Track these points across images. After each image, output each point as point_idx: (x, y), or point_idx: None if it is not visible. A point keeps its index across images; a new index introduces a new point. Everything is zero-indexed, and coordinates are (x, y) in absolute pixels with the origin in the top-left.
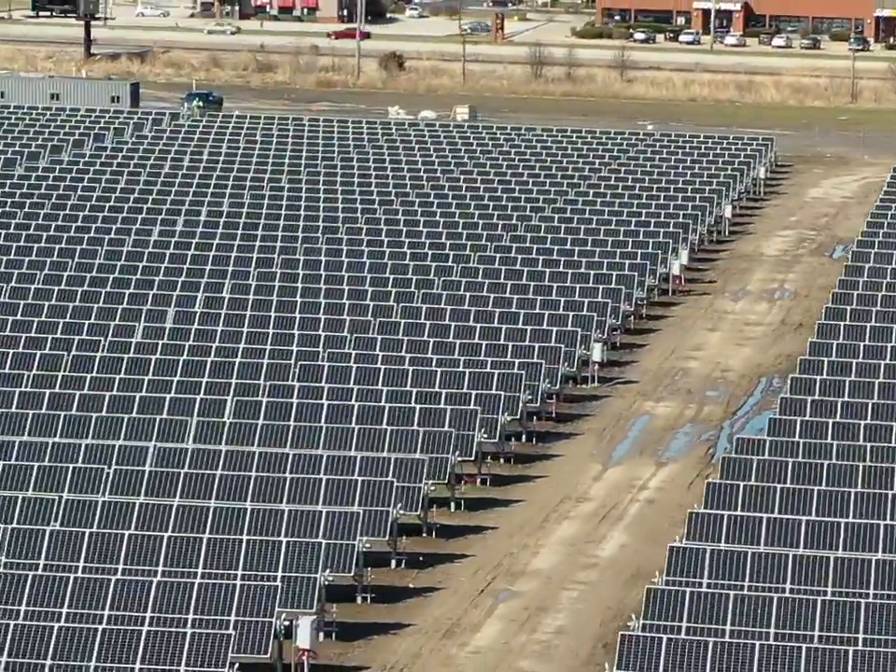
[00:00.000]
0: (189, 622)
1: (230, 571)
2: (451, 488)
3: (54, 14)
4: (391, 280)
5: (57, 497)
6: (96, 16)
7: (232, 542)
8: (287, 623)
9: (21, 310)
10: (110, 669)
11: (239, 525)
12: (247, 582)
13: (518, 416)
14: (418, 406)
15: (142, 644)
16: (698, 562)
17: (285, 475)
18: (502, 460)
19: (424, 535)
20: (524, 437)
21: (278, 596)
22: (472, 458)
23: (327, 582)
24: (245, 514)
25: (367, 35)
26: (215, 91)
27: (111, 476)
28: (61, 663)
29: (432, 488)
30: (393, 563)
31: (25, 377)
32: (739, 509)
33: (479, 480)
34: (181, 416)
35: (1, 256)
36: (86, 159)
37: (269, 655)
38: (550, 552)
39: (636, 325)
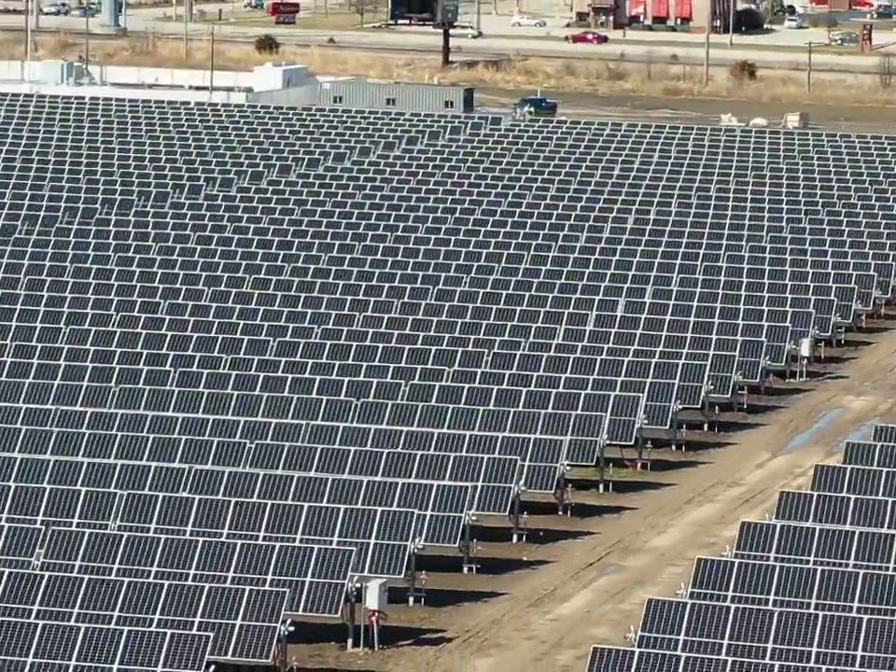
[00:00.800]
0: (268, 581)
1: (325, 537)
2: (600, 470)
3: (412, 22)
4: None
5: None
6: (454, 24)
7: (330, 511)
8: (357, 585)
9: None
10: (212, 625)
11: (353, 495)
12: (324, 546)
13: (700, 406)
14: (582, 392)
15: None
16: (767, 537)
17: (426, 452)
18: (673, 447)
19: (560, 513)
20: (705, 426)
21: (351, 560)
22: (632, 444)
23: (417, 550)
24: (361, 486)
25: (604, 39)
26: (548, 98)
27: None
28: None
29: (568, 468)
30: (514, 537)
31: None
32: (837, 490)
33: (640, 464)
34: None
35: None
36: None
37: (339, 615)
38: (676, 531)
39: (868, 324)
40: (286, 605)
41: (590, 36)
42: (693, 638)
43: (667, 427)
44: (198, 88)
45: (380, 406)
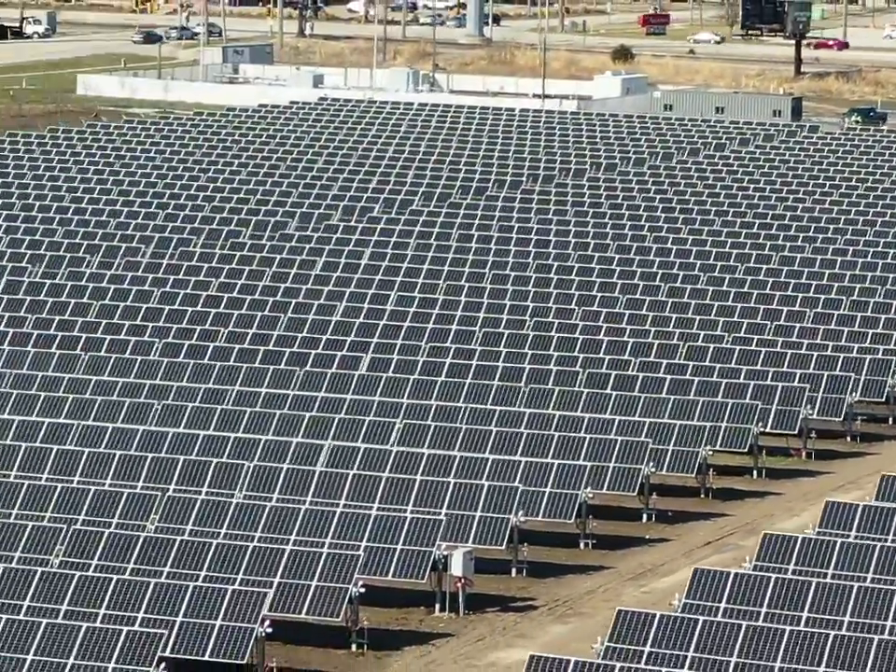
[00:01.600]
0: (362, 548)
1: (434, 509)
2: (754, 458)
3: (763, 34)
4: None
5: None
6: (805, 35)
7: (440, 484)
8: (445, 553)
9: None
10: (291, 585)
11: (477, 470)
12: (416, 516)
13: (884, 399)
14: (751, 382)
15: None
16: (848, 517)
17: (565, 433)
18: (849, 438)
19: (701, 496)
20: (890, 419)
21: (440, 529)
22: (797, 433)
23: (519, 523)
24: (487, 463)
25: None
26: (879, 108)
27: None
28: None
29: (709, 453)
30: (644, 517)
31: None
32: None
33: (804, 453)
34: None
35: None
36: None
37: (426, 581)
38: (808, 515)
39: None
40: (365, 569)
41: None
42: (728, 605)
43: (841, 418)
44: (543, 96)
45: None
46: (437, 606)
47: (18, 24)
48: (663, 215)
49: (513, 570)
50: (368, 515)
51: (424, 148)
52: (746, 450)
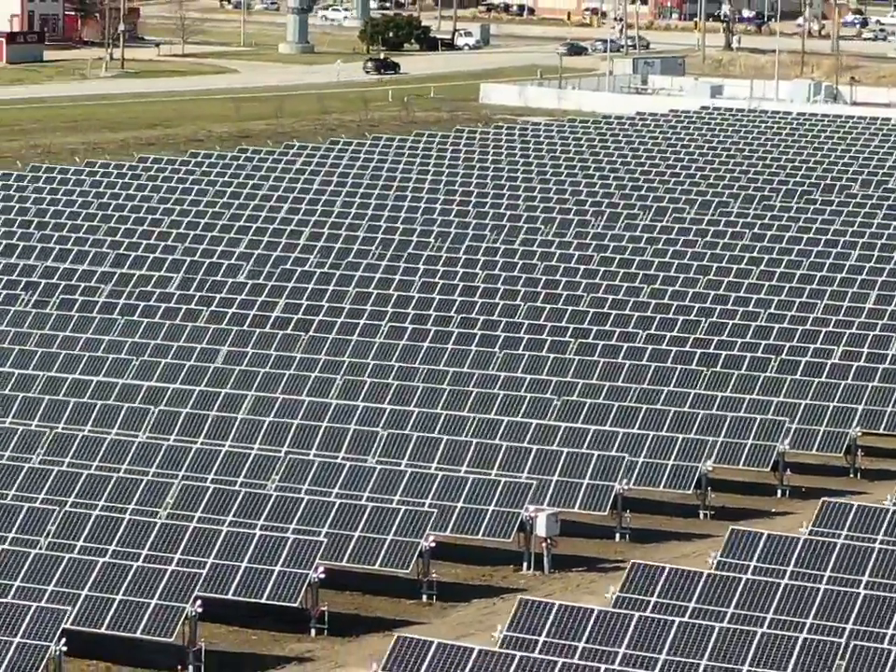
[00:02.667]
0: (458, 507)
1: (548, 476)
2: (850, 460)
3: None
4: None
5: None
6: None
7: (552, 453)
8: (532, 515)
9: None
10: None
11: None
12: (503, 479)
13: None
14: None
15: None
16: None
17: (680, 409)
18: None
19: (850, 476)
20: None
21: (530, 493)
22: None
23: (624, 490)
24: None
25: None
26: None
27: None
28: None
29: (859, 433)
30: (778, 493)
31: None
32: None
33: None
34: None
35: None
36: None
37: (512, 540)
38: None
39: None
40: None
41: None
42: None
43: None
44: None
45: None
46: (524, 564)
47: (450, 37)
48: None
49: (617, 535)
50: (466, 479)
51: (757, 152)
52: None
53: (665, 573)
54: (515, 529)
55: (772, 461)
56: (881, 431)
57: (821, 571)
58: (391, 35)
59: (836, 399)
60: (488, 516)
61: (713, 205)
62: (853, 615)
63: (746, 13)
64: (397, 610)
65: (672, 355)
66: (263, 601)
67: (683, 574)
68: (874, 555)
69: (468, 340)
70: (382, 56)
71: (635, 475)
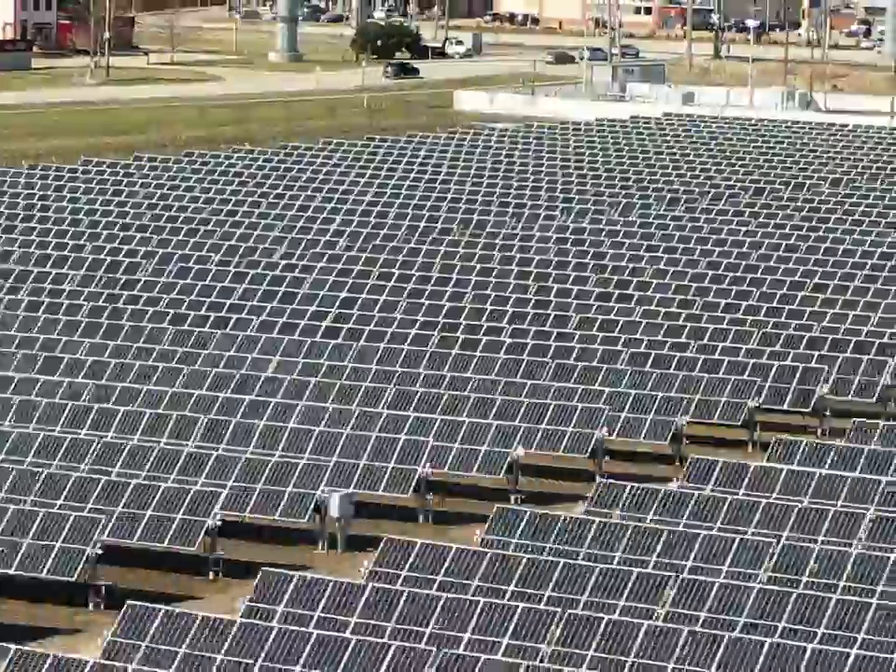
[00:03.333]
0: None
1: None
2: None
3: None
4: None
5: None
6: None
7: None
8: (325, 496)
9: None
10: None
11: None
12: (307, 462)
13: None
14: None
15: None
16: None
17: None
18: None
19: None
20: None
21: (325, 475)
22: None
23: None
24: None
25: None
26: None
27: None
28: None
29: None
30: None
31: None
32: None
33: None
34: None
35: None
36: None
37: (308, 521)
38: None
39: None
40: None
41: None
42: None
43: None
44: None
45: None
46: (319, 544)
47: (441, 45)
48: None
49: (420, 517)
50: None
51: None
52: None
53: (416, 548)
54: (310, 510)
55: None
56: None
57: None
58: (381, 43)
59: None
60: (286, 497)
61: (635, 207)
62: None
63: (751, 23)
64: (185, 586)
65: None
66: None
67: (433, 549)
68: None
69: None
70: (402, 61)
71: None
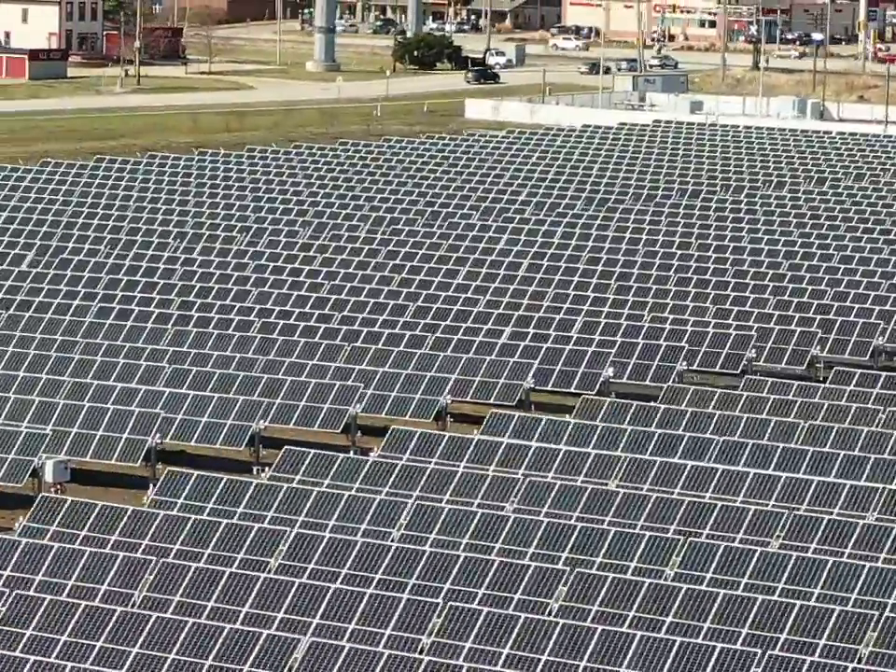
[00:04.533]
0: None
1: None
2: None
3: None
4: None
5: None
6: None
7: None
8: (42, 462)
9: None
10: None
11: None
12: (26, 430)
13: None
14: None
15: None
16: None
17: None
18: None
19: None
20: None
21: (45, 442)
22: None
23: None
24: None
25: None
26: None
27: None
28: None
29: None
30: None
31: None
32: None
33: None
34: None
35: None
36: None
37: (24, 486)
38: None
39: None
40: None
41: None
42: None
43: None
44: None
45: None
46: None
47: (482, 56)
48: None
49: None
50: None
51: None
52: None
53: (67, 505)
54: (28, 475)
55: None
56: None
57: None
58: (421, 53)
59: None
60: (6, 464)
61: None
62: None
63: (817, 36)
64: None
65: None
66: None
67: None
68: None
69: None
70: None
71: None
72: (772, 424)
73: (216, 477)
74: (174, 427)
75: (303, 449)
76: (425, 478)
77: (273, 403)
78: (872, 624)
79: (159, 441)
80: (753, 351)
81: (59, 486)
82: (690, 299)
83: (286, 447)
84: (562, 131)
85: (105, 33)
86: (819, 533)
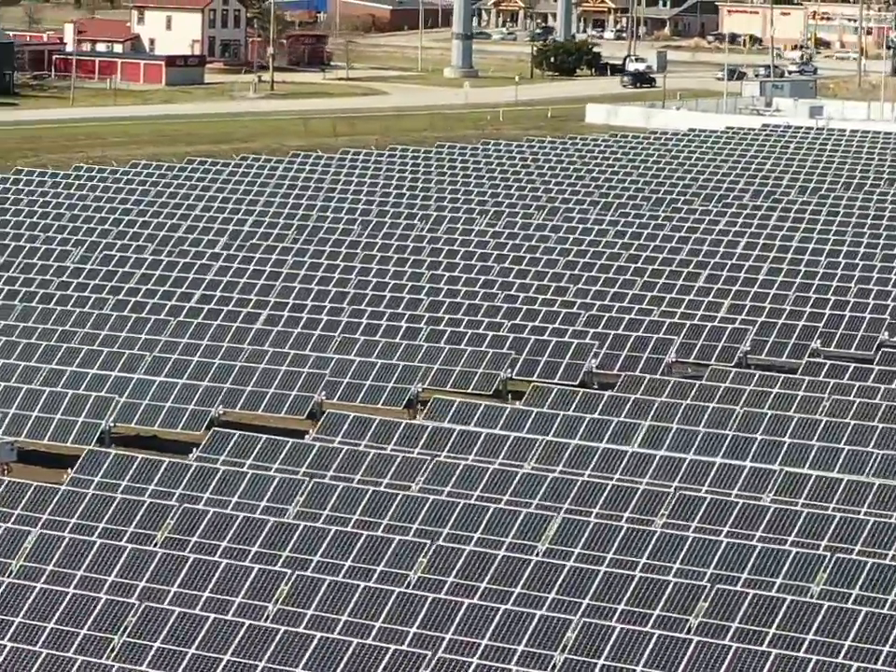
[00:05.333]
0: None
1: None
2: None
3: None
4: None
5: None
6: None
7: None
8: None
9: None
10: None
11: None
12: None
13: None
14: None
15: None
16: None
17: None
18: None
19: None
20: None
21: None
22: None
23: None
24: None
25: None
26: None
27: None
28: None
29: None
30: None
31: None
32: None
33: None
34: None
35: None
36: None
37: None
38: None
39: None
40: None
41: None
42: None
43: None
44: None
45: None
46: None
47: (621, 62)
48: None
49: None
50: None
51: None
52: None
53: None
54: None
55: None
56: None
57: None
58: (560, 59)
59: None
60: None
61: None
62: None
63: None
64: None
65: None
66: None
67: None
68: None
69: None
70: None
71: None
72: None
73: (135, 457)
74: (138, 412)
75: (230, 431)
76: (339, 459)
77: (242, 391)
78: None
79: (112, 425)
80: None
81: (4, 466)
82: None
83: (213, 429)
84: (664, 134)
85: (248, 40)
86: None
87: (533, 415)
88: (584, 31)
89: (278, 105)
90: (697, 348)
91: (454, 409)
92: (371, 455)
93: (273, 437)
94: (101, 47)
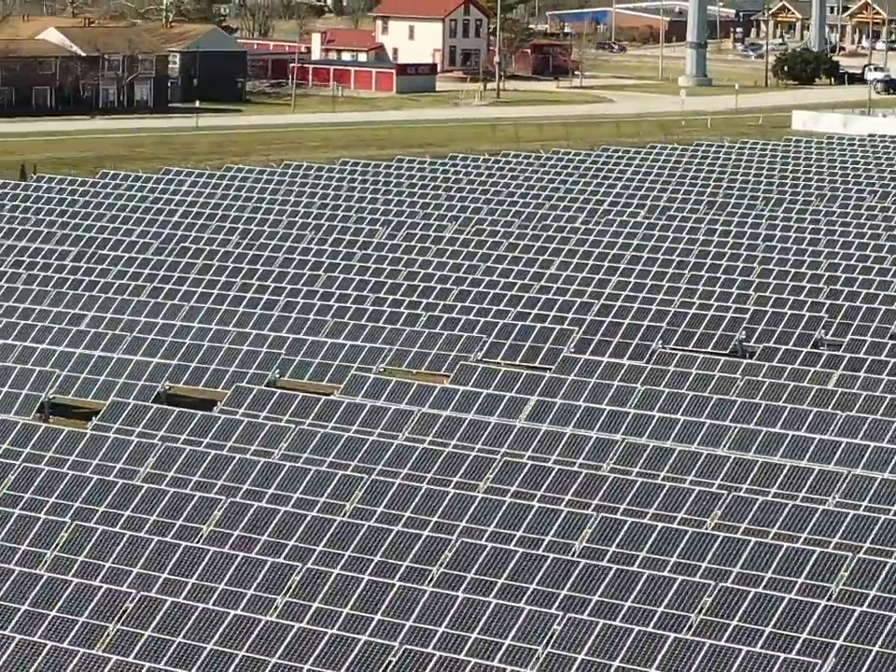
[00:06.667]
0: None
1: None
2: None
3: None
4: None
5: None
6: None
7: None
8: None
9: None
10: None
11: None
12: None
13: None
14: None
15: None
16: None
17: None
18: None
19: None
20: None
21: None
22: None
23: None
24: None
25: None
26: None
27: None
28: None
29: None
30: None
31: None
32: None
33: None
34: None
35: None
36: None
37: None
38: None
39: None
40: None
41: None
42: None
43: None
44: None
45: None
46: None
47: (860, 72)
48: None
49: None
50: None
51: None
52: None
53: None
54: None
55: None
56: None
57: None
58: (799, 68)
59: None
60: None
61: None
62: None
63: None
64: None
65: None
66: None
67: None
68: None
69: None
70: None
71: None
72: None
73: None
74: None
75: (128, 401)
76: (239, 431)
77: (204, 367)
78: None
79: (52, 396)
80: None
81: None
82: None
83: (112, 398)
84: (842, 140)
85: (489, 49)
86: None
87: (459, 393)
88: (858, 42)
89: (496, 111)
90: None
91: (368, 384)
92: (268, 427)
93: (182, 409)
94: (346, 56)
